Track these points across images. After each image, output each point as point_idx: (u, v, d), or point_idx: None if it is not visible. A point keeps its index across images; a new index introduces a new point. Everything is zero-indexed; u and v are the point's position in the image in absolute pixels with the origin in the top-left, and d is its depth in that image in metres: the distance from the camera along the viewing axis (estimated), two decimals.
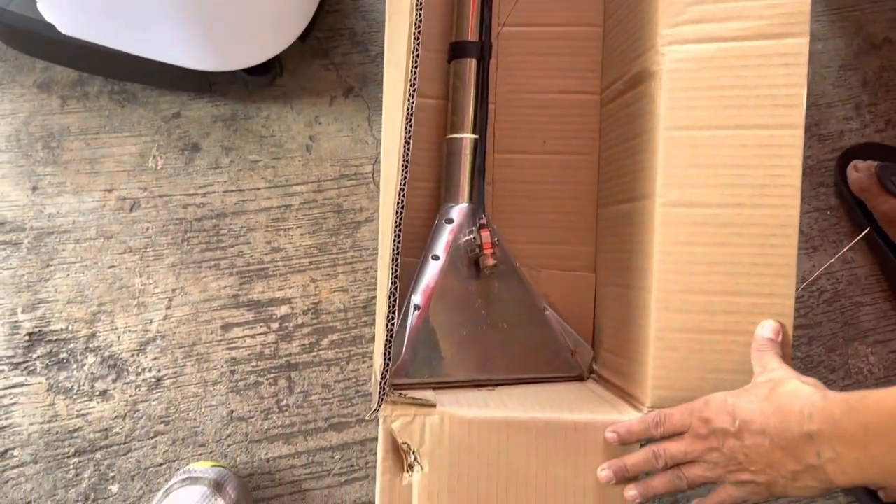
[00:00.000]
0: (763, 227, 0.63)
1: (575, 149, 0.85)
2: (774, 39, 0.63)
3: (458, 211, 0.79)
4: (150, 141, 0.87)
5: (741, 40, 0.63)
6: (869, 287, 0.92)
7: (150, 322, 0.83)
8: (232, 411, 0.82)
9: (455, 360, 0.75)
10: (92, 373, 0.81)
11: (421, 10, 0.55)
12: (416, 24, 0.55)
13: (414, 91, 0.56)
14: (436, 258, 0.77)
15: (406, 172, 0.55)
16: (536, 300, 0.81)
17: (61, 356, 0.81)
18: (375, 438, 0.59)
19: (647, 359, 0.66)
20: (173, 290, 0.84)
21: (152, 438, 0.80)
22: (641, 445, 0.62)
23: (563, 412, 0.65)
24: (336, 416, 0.83)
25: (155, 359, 0.82)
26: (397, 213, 0.51)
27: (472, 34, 0.81)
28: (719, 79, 0.64)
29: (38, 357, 0.81)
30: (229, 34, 0.78)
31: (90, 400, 0.81)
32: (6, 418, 0.80)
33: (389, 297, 0.52)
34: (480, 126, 0.80)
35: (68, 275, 0.83)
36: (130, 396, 0.81)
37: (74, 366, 0.81)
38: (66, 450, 0.79)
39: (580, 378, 0.83)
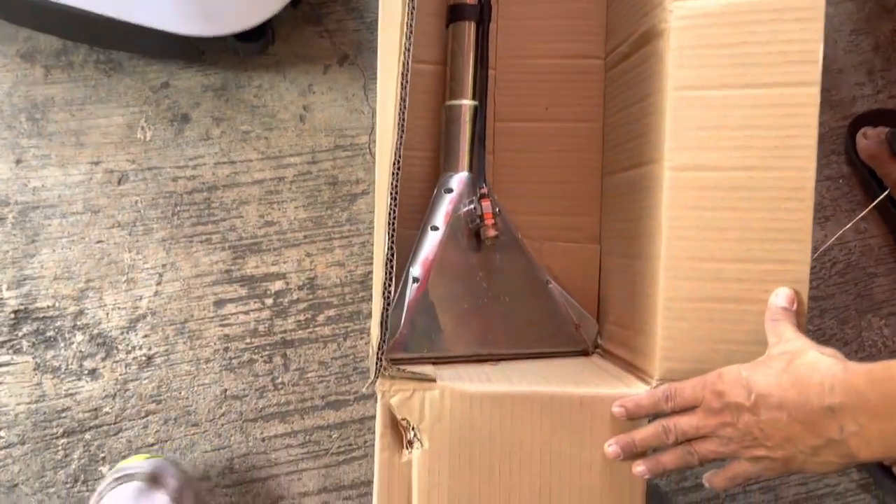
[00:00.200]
0: (776, 190, 0.61)
1: (578, 116, 0.83)
2: None
3: (458, 180, 0.77)
4: (137, 112, 0.85)
5: None
6: (882, 257, 0.90)
7: (140, 298, 0.81)
8: (225, 390, 0.80)
9: (455, 334, 0.73)
10: (80, 351, 0.79)
11: None
12: None
13: (409, 55, 0.54)
14: (435, 229, 0.75)
15: (402, 137, 0.53)
16: (539, 272, 0.79)
17: (48, 334, 0.79)
18: (374, 417, 0.59)
19: (655, 330, 0.64)
20: (163, 266, 0.82)
21: (143, 418, 0.79)
22: (650, 420, 0.60)
23: (569, 386, 0.64)
24: (333, 394, 0.81)
25: (145, 336, 0.80)
26: (393, 174, 0.49)
27: None
28: (730, 35, 0.61)
29: (25, 335, 0.79)
30: None
31: (79, 379, 0.79)
32: None
33: (386, 264, 0.50)
34: (480, 92, 0.78)
35: (54, 250, 0.81)
36: (120, 375, 0.79)
37: (62, 344, 0.79)
38: (55, 430, 0.78)
39: (585, 353, 0.81)
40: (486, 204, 0.74)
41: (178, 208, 0.83)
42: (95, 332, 0.80)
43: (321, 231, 0.84)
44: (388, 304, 0.51)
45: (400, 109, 0.53)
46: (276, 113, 0.87)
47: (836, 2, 0.97)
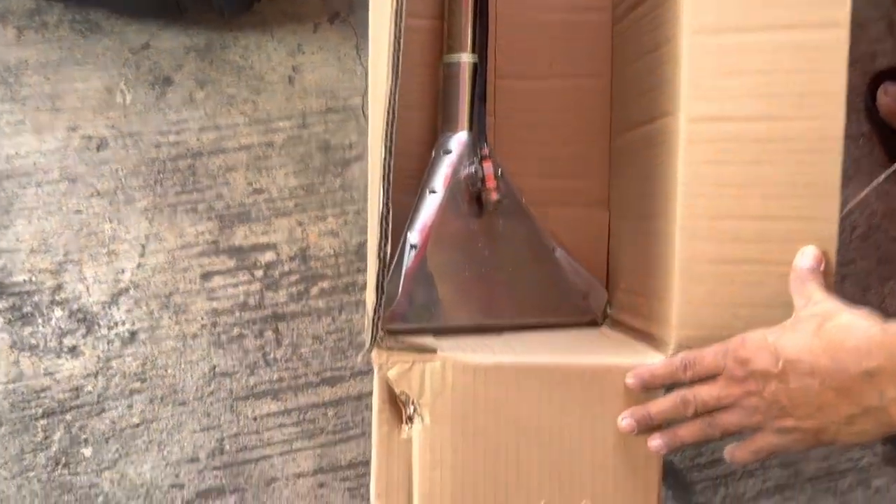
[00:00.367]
0: (802, 141, 0.57)
1: (585, 72, 0.79)
2: None
3: (457, 141, 0.73)
4: (116, 74, 0.82)
5: None
6: None
7: (122, 271, 0.78)
8: (214, 366, 0.77)
9: (456, 305, 0.70)
10: (59, 327, 0.77)
11: None
12: None
13: (403, 9, 0.51)
14: (433, 192, 0.71)
15: (396, 96, 0.49)
16: (544, 239, 0.76)
17: (25, 310, 0.76)
18: (372, 393, 0.57)
19: (670, 295, 0.61)
20: (146, 237, 0.79)
21: (128, 397, 0.76)
22: (666, 391, 0.58)
23: (578, 356, 0.62)
24: (328, 370, 0.79)
25: (128, 311, 0.78)
26: (387, 133, 0.45)
27: None
28: None
29: (0, 311, 0.75)
30: None
31: (58, 357, 0.77)
32: None
33: (381, 221, 0.46)
34: (480, 47, 0.74)
35: (30, 222, 0.78)
36: (102, 352, 0.77)
37: (40, 320, 0.76)
38: (34, 411, 0.75)
39: (593, 323, 0.78)
40: (488, 166, 0.71)
41: (161, 176, 0.80)
42: (75, 307, 0.77)
43: (313, 198, 0.81)
44: (385, 266, 0.47)
45: (394, 67, 0.50)
46: (263, 75, 0.83)
47: None
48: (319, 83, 0.84)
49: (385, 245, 0.47)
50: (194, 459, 0.78)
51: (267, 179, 0.81)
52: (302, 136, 0.83)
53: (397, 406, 0.58)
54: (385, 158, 0.45)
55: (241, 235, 0.81)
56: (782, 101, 0.57)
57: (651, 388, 0.57)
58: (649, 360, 0.60)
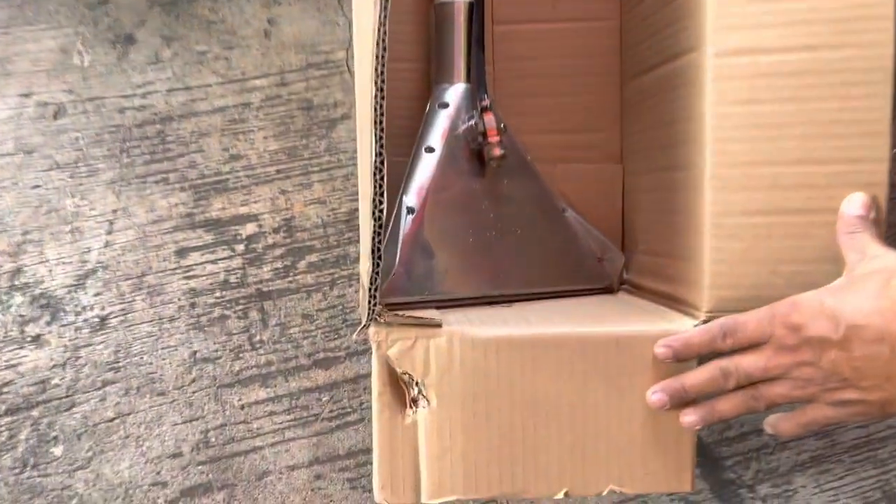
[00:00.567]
0: (846, 73, 0.53)
1: (592, 13, 0.75)
2: None
3: (454, 92, 0.69)
4: (72, 33, 0.76)
5: None
6: None
7: (89, 251, 0.73)
8: (195, 352, 0.73)
9: (460, 273, 0.66)
10: (21, 315, 0.72)
11: None
12: None
13: None
14: (430, 150, 0.66)
15: (385, 43, 0.43)
16: (554, 199, 0.72)
17: None
18: (370, 374, 0.53)
19: (701, 254, 0.56)
20: (114, 212, 0.73)
21: (100, 389, 0.72)
22: (699, 362, 0.53)
23: (600, 325, 0.57)
24: (321, 351, 0.75)
25: (97, 294, 0.72)
26: (377, 57, 0.39)
27: None
28: None
29: None
30: None
31: (21, 348, 0.72)
32: None
33: (374, 173, 0.40)
34: None
35: None
36: (70, 341, 0.72)
37: None
38: None
39: (609, 289, 0.75)
40: (489, 118, 0.66)
41: (127, 144, 0.74)
42: (37, 291, 0.72)
43: (296, 164, 0.76)
44: (381, 229, 0.41)
45: (381, 10, 0.43)
46: (236, 29, 0.78)
47: None
48: (298, 37, 0.78)
49: (380, 202, 0.41)
50: (177, 454, 0.73)
51: (245, 144, 0.76)
52: (281, 96, 0.77)
53: (399, 388, 0.54)
54: (375, 96, 0.39)
55: (218, 207, 0.75)
56: (823, 28, 0.52)
57: (684, 358, 0.53)
58: (679, 327, 0.55)
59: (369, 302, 0.45)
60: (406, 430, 0.53)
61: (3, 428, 0.71)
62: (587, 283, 0.72)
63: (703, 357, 0.53)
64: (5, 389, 0.71)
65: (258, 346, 0.74)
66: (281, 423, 0.74)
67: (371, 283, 0.44)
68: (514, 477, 0.55)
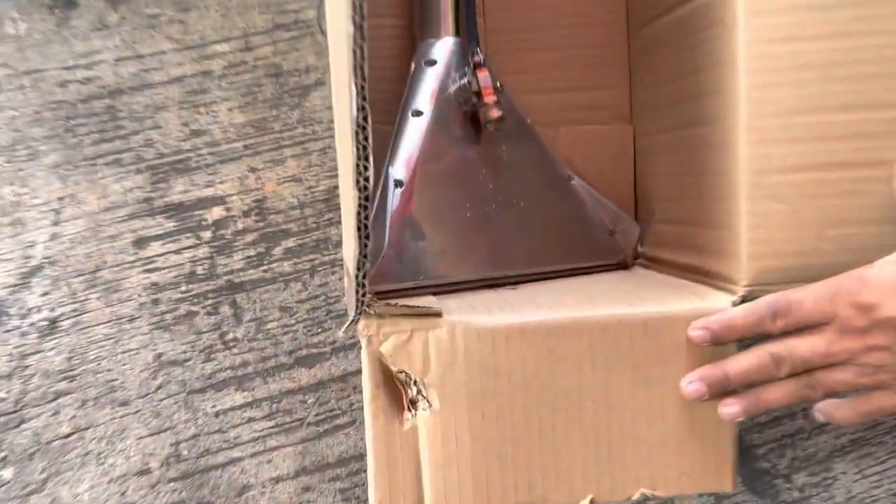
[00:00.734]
0: None
1: None
2: None
3: (442, 48, 0.64)
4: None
5: None
6: None
7: (32, 245, 0.66)
8: (160, 354, 0.67)
9: (458, 254, 0.59)
10: None
11: None
12: None
13: None
14: (417, 114, 0.60)
15: None
16: (558, 166, 0.67)
17: None
18: (360, 371, 0.51)
19: (736, 219, 0.50)
20: (60, 200, 0.67)
21: (53, 402, 0.66)
22: (740, 347, 0.48)
23: (624, 306, 0.51)
24: (304, 348, 0.69)
25: (45, 294, 0.66)
26: (356, 39, 0.32)
27: None
28: None
29: None
30: None
31: None
32: None
33: (356, 133, 0.33)
34: None
35: None
36: (16, 348, 0.66)
37: None
38: None
39: (622, 265, 0.69)
40: (484, 75, 0.61)
41: (73, 122, 0.68)
42: None
43: (267, 138, 0.70)
44: (367, 201, 0.34)
45: None
46: None
47: None
48: None
49: (365, 168, 0.34)
50: (145, 471, 0.66)
51: (207, 118, 0.70)
52: (246, 62, 0.71)
53: (395, 389, 0.48)
54: (353, 37, 0.32)
55: (179, 190, 0.68)
56: None
57: (723, 341, 0.47)
58: (714, 305, 0.49)
59: (357, 291, 0.38)
60: (405, 436, 0.48)
61: None
62: (598, 259, 0.66)
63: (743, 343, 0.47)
64: None
65: (232, 344, 0.68)
66: (261, 430, 0.68)
67: (358, 269, 0.37)
68: (532, 485, 0.49)
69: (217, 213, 0.68)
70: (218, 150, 0.69)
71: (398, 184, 0.56)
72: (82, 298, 0.66)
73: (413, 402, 0.48)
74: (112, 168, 0.68)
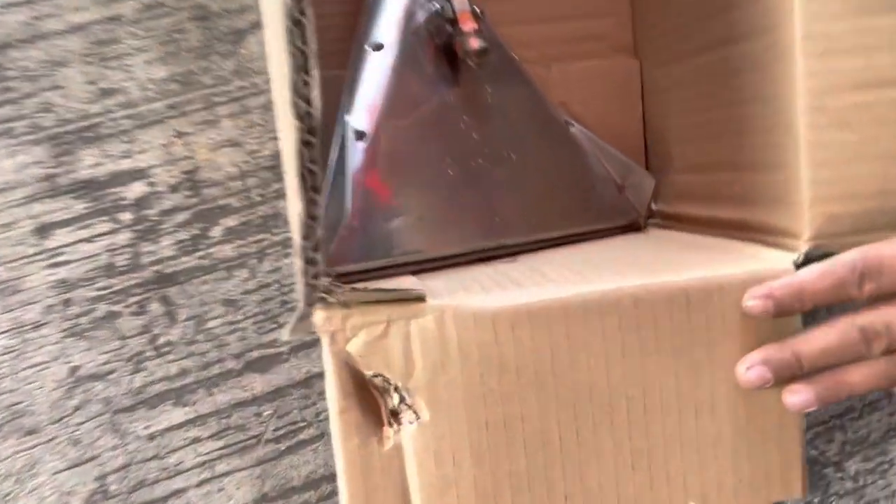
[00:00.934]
0: None
1: None
2: None
3: None
4: None
5: None
6: None
7: None
8: (76, 367, 0.58)
9: (440, 221, 0.51)
10: None
11: None
12: None
13: None
14: (378, 48, 0.50)
15: None
16: (554, 111, 0.60)
17: None
18: (324, 374, 0.39)
19: (792, 155, 0.41)
20: None
21: None
22: (805, 322, 0.40)
23: (656, 274, 0.41)
24: (255, 349, 0.61)
25: None
26: None
27: None
28: None
29: None
30: None
31: None
32: None
33: (289, 31, 0.22)
34: None
35: None
36: None
37: None
38: None
39: (634, 226, 0.62)
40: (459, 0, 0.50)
41: None
42: None
43: (195, 94, 0.61)
44: (312, 131, 0.24)
45: None
46: None
47: None
48: None
49: (306, 84, 0.23)
50: None
51: (119, 74, 0.60)
52: (164, 3, 0.62)
53: (371, 398, 0.39)
54: None
55: (89, 163, 0.59)
56: None
57: (790, 312, 0.39)
58: (772, 266, 0.40)
59: (306, 270, 0.27)
60: (386, 459, 0.39)
61: None
62: (607, 221, 0.58)
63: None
64: None
65: (165, 350, 0.59)
66: (208, 452, 0.59)
67: (306, 236, 0.26)
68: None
69: (138, 189, 0.59)
70: (135, 113, 0.60)
71: (359, 135, 0.47)
72: None
73: (395, 415, 0.39)
74: (2, 140, 0.58)
